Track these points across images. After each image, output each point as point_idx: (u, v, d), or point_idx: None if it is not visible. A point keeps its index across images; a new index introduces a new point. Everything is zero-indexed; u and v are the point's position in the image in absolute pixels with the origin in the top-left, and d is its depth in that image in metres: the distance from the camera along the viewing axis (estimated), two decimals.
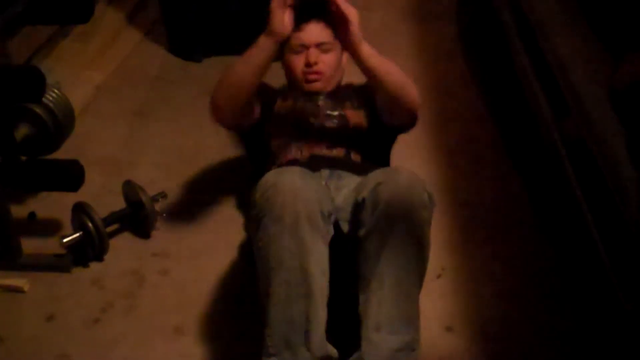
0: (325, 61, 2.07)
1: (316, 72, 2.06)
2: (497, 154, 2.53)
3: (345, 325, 1.68)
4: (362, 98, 2.12)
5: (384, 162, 2.12)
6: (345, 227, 1.74)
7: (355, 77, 2.24)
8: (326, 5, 1.87)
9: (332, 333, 1.65)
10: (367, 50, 1.86)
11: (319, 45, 2.05)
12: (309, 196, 1.64)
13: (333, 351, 1.64)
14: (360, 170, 1.89)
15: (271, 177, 1.68)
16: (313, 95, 2.10)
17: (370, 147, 2.06)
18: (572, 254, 2.05)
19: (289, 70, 2.13)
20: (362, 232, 1.68)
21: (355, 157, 2.01)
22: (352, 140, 2.04)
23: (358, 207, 1.70)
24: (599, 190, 1.71)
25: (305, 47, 2.05)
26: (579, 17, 2.11)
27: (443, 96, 2.85)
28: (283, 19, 1.82)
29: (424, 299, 1.89)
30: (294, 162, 1.94)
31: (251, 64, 1.89)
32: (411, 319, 1.67)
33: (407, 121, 2.02)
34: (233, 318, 1.95)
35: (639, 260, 1.53)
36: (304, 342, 1.60)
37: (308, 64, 2.05)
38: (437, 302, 1.97)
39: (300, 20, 1.89)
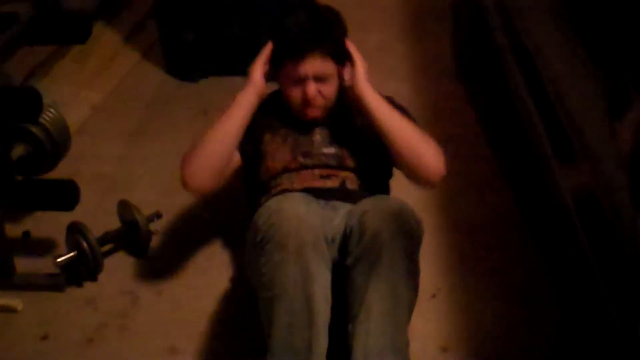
0: (324, 92, 1.92)
1: (314, 107, 1.93)
2: (492, 174, 2.54)
3: (343, 351, 1.68)
4: (367, 130, 1.94)
5: (383, 189, 2.03)
6: (335, 254, 1.74)
7: None
8: (329, 37, 1.87)
9: (330, 357, 1.65)
10: (372, 98, 1.85)
11: (317, 76, 1.90)
12: (313, 222, 1.64)
13: None
14: (355, 199, 1.84)
15: (274, 203, 1.68)
16: (308, 127, 1.98)
17: (369, 177, 1.98)
18: (568, 273, 2.04)
19: (285, 99, 1.97)
20: (349, 261, 1.68)
21: (352, 186, 1.93)
22: (349, 172, 1.95)
23: (346, 236, 1.70)
24: (594, 213, 1.71)
25: (303, 78, 1.89)
26: (575, 38, 2.12)
27: (438, 117, 2.85)
28: (263, 73, 1.88)
29: (419, 319, 1.89)
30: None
31: (233, 119, 1.88)
32: (399, 348, 1.64)
33: (423, 184, 1.96)
34: (228, 338, 1.94)
35: (632, 282, 1.53)
36: None
37: (306, 99, 1.91)
38: (432, 322, 1.96)
39: (297, 51, 1.86)
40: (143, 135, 2.83)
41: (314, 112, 1.95)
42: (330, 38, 1.89)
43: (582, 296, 1.91)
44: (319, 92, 1.91)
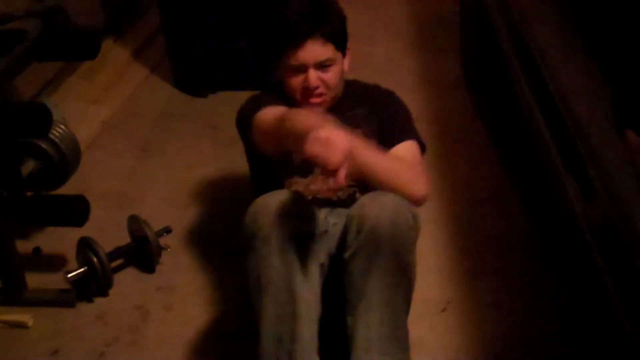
0: (327, 80, 1.91)
1: (317, 95, 1.92)
2: (503, 187, 2.53)
3: (338, 346, 1.70)
4: (371, 121, 1.98)
5: None
6: (332, 249, 1.77)
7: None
8: (329, 21, 1.89)
9: (325, 353, 1.67)
10: (362, 160, 1.73)
11: (319, 64, 1.89)
12: (297, 217, 1.67)
13: None
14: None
15: (260, 200, 1.72)
16: None
17: None
18: (578, 286, 2.03)
19: (287, 89, 1.95)
20: (347, 254, 1.70)
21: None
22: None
23: (344, 229, 1.73)
24: (604, 226, 1.71)
25: (304, 66, 1.88)
26: (583, 50, 2.12)
27: (447, 130, 2.86)
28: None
29: (430, 333, 1.89)
30: None
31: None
32: (400, 339, 1.68)
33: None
34: (238, 354, 1.94)
35: None
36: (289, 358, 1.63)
37: (308, 88, 1.90)
38: (443, 336, 1.95)
39: (296, 37, 1.86)
40: (152, 150, 2.84)
41: (318, 102, 1.93)
42: (330, 22, 1.90)
43: (593, 308, 1.90)
44: (321, 80, 1.90)
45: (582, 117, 1.91)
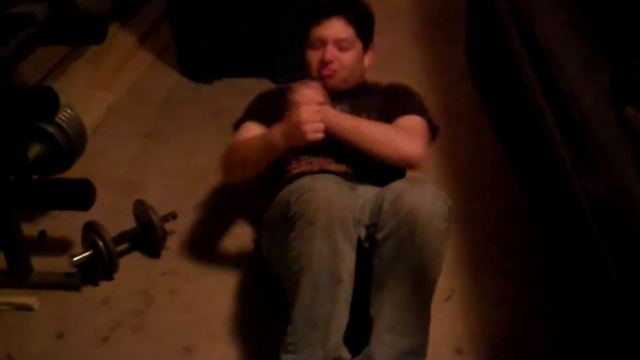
0: (342, 60, 2.00)
1: (330, 69, 1.99)
2: (506, 177, 2.53)
3: (356, 328, 1.74)
4: (386, 108, 2.05)
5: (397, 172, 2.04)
6: (362, 233, 1.78)
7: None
8: (354, 5, 2.05)
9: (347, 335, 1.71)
10: (336, 126, 1.90)
11: (337, 42, 1.99)
12: (342, 202, 1.69)
13: (347, 355, 1.70)
14: (370, 180, 1.94)
15: (307, 181, 1.74)
16: (330, 98, 1.99)
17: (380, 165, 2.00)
18: (583, 275, 2.04)
19: (306, 65, 2.05)
20: (380, 235, 1.73)
21: (361, 170, 1.97)
22: (360, 157, 1.96)
23: (379, 211, 1.75)
24: (606, 207, 1.71)
25: (324, 42, 1.99)
26: (589, 40, 2.12)
27: (452, 120, 2.86)
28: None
29: (433, 321, 1.89)
30: (303, 175, 1.93)
31: (263, 159, 1.98)
32: (423, 324, 1.73)
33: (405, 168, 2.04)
34: (243, 338, 1.95)
35: None
36: (322, 343, 1.66)
37: (323, 61, 1.99)
38: (447, 324, 1.96)
39: (321, 14, 2.00)
40: (157, 136, 2.84)
41: (329, 74, 2.00)
42: (355, 8, 2.06)
43: (597, 298, 1.90)
44: (337, 58, 2.00)
45: (588, 108, 1.91)
